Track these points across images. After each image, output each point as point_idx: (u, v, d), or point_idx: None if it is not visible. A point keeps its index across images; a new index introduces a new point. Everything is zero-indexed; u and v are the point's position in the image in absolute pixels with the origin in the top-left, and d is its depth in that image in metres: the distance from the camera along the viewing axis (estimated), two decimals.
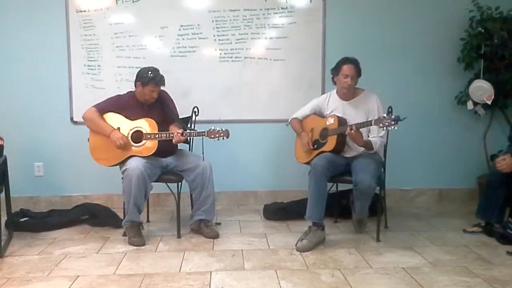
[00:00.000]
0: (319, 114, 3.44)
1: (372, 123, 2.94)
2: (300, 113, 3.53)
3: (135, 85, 3.29)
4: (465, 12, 3.97)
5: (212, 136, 3.18)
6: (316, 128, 3.37)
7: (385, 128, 2.88)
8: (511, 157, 3.02)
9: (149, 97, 3.26)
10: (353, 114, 3.23)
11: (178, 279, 2.59)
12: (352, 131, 2.97)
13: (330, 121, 3.23)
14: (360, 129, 3.04)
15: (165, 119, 3.33)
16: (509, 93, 3.99)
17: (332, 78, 3.32)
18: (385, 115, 2.88)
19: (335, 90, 3.37)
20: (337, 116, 3.22)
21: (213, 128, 3.19)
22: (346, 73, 3.19)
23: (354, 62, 3.20)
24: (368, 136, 3.16)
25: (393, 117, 2.80)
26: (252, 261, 2.85)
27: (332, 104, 3.35)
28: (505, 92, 3.98)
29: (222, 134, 3.18)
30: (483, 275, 2.61)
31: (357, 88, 3.31)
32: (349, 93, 3.27)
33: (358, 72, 3.21)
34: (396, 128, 2.82)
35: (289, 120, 3.57)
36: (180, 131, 3.18)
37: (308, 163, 3.28)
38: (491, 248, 3.07)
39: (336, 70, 3.26)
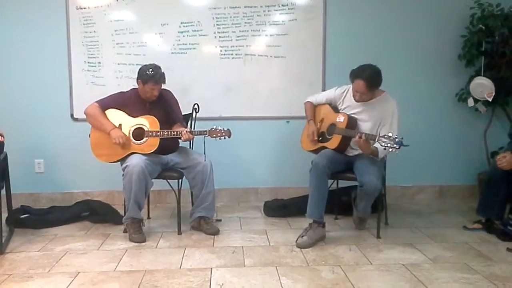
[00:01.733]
0: (333, 105, 3.37)
1: (376, 139, 2.89)
2: (315, 98, 3.46)
3: (137, 83, 3.29)
4: (466, 9, 3.97)
5: (214, 135, 3.18)
6: (326, 120, 3.34)
7: (386, 148, 2.84)
8: None
9: (150, 95, 3.25)
10: (366, 116, 3.17)
11: (179, 276, 2.59)
12: (361, 139, 2.92)
13: (340, 118, 3.19)
14: (369, 129, 3.02)
15: (168, 118, 3.32)
16: (510, 90, 3.99)
17: None
18: (390, 134, 2.82)
19: None
20: (348, 116, 3.16)
21: (215, 127, 3.19)
22: (355, 89, 3.08)
23: (365, 77, 2.99)
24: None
25: (397, 140, 2.77)
26: (252, 258, 2.86)
27: (348, 101, 3.26)
28: (506, 89, 3.98)
29: (223, 134, 3.18)
30: (483, 272, 2.62)
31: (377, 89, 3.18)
32: (363, 100, 3.17)
33: (370, 87, 3.02)
34: (397, 152, 2.81)
35: (304, 102, 3.50)
36: (188, 129, 3.19)
37: (312, 151, 3.26)
38: (491, 245, 3.07)
39: (350, 78, 3.09)
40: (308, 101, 3.50)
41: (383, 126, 3.10)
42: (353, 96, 3.17)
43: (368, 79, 3.02)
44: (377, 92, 3.18)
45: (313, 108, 3.46)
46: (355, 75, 3.06)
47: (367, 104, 3.19)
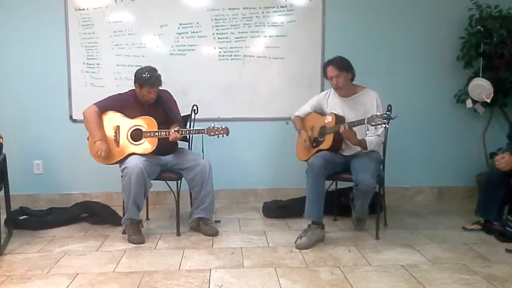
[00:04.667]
0: (319, 111, 3.44)
1: (365, 122, 2.93)
2: (301, 110, 3.54)
3: (134, 86, 3.29)
4: (465, 10, 3.98)
5: (212, 133, 3.18)
6: (316, 126, 3.38)
7: (378, 126, 2.89)
8: (510, 155, 3.02)
9: (147, 98, 3.26)
10: (351, 111, 3.23)
11: (178, 277, 2.59)
12: (345, 129, 2.99)
13: (328, 119, 3.24)
14: (358, 127, 3.04)
15: (167, 119, 3.32)
16: (508, 91, 4.00)
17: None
18: (378, 113, 2.90)
19: None
20: (335, 114, 3.22)
21: (212, 125, 3.19)
22: (329, 75, 3.21)
23: (333, 62, 3.19)
24: (366, 135, 3.16)
25: (384, 115, 2.83)
26: (251, 259, 2.86)
27: (332, 101, 3.35)
28: (504, 90, 3.98)
29: (221, 132, 3.18)
30: (482, 273, 2.62)
31: (357, 85, 3.29)
32: (347, 91, 3.26)
33: (343, 69, 3.17)
34: (388, 126, 2.86)
35: (292, 118, 3.58)
36: (176, 128, 3.18)
37: (308, 160, 3.28)
38: (490, 246, 3.07)
39: (324, 75, 3.29)
40: (295, 116, 3.55)
41: None
42: (335, 89, 3.29)
43: (336, 62, 3.18)
44: (357, 88, 3.28)
45: (301, 120, 3.52)
46: (324, 65, 3.27)
47: (350, 100, 3.27)
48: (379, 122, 2.83)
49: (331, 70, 3.19)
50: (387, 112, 2.89)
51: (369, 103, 3.20)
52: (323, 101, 3.42)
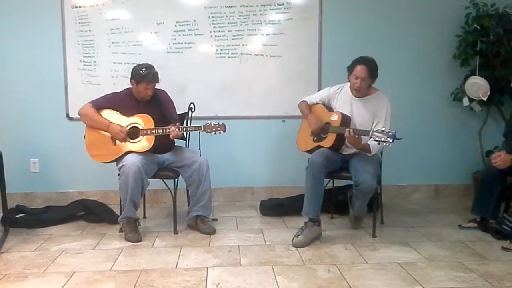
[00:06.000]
0: (327, 104, 3.39)
1: (370, 134, 2.90)
2: (309, 98, 3.48)
3: (130, 83, 3.29)
4: (461, 9, 3.98)
5: (209, 130, 3.19)
6: (320, 120, 3.35)
7: (380, 142, 2.87)
8: (506, 153, 3.03)
9: (144, 95, 3.25)
10: (360, 112, 3.19)
11: (175, 275, 2.59)
12: (350, 135, 2.96)
13: (334, 117, 3.20)
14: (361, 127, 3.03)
15: (163, 118, 3.31)
16: (505, 89, 4.00)
17: (348, 76, 3.22)
18: (383, 128, 2.87)
19: (349, 84, 3.26)
20: (342, 114, 3.18)
21: (210, 122, 3.19)
22: (356, 75, 3.11)
23: (368, 63, 3.09)
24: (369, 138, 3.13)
25: (390, 134, 2.80)
26: (248, 257, 2.86)
27: (342, 97, 3.29)
28: (501, 88, 3.99)
29: (218, 128, 3.18)
30: (478, 271, 2.63)
31: (372, 87, 3.22)
32: (362, 93, 3.19)
33: (371, 74, 3.10)
34: (390, 146, 2.82)
35: (297, 103, 3.51)
36: (177, 125, 3.18)
37: (308, 151, 3.27)
38: (486, 244, 3.08)
39: (350, 68, 3.17)
40: (302, 101, 3.51)
41: (377, 123, 3.12)
42: (351, 89, 3.21)
43: (370, 65, 3.10)
44: (371, 90, 3.23)
45: (309, 106, 3.47)
46: (357, 61, 3.13)
47: (361, 101, 3.22)
48: (383, 140, 2.81)
49: (361, 71, 3.08)
50: (394, 132, 2.82)
51: (379, 108, 3.16)
52: (333, 96, 3.35)
